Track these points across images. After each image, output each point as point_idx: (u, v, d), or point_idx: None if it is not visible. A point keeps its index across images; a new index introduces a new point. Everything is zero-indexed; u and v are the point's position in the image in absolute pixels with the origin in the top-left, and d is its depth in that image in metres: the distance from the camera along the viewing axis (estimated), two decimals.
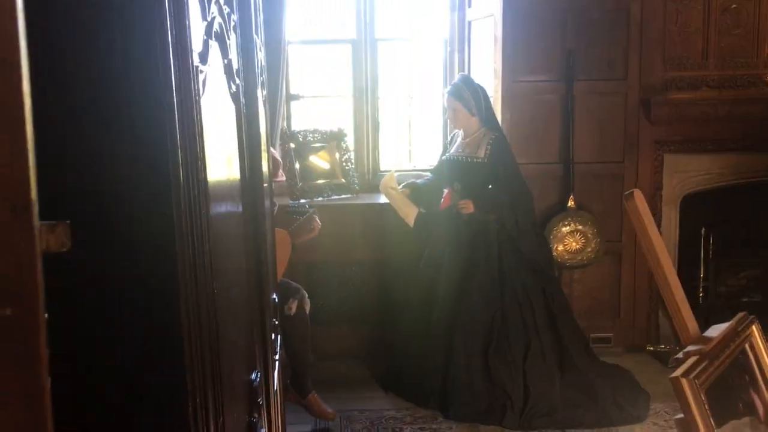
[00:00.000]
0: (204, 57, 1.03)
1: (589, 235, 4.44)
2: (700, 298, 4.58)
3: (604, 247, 4.47)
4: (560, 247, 4.43)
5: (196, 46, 0.98)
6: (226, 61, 1.31)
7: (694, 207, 4.60)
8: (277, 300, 2.98)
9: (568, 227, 4.44)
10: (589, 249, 4.45)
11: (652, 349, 4.48)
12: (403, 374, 3.96)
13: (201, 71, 1.01)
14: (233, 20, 1.46)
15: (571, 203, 4.46)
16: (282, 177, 4.46)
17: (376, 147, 4.93)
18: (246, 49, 1.59)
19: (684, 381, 1.17)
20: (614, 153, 4.52)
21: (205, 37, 1.05)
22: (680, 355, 1.28)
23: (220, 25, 1.19)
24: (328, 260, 4.44)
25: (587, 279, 4.61)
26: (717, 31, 4.49)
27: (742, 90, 4.49)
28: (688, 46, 4.52)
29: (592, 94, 4.47)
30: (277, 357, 2.52)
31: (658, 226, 4.56)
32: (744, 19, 4.49)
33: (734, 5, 4.49)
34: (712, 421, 1.17)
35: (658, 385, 3.93)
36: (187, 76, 0.91)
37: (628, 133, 4.49)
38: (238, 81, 1.46)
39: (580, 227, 4.43)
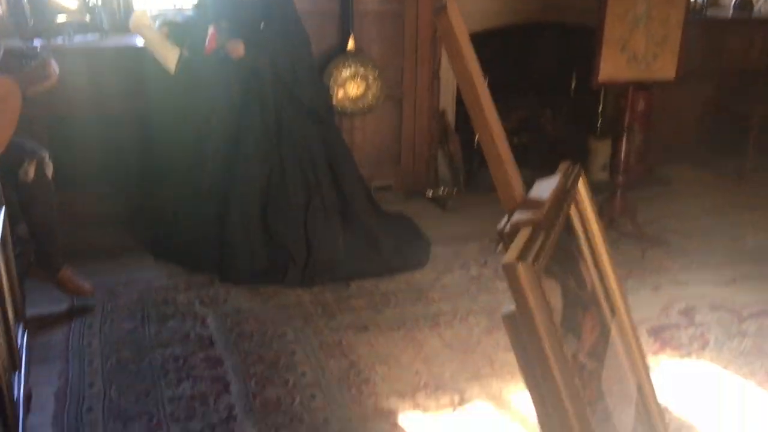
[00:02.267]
0: None
1: (370, 80, 4.21)
2: (474, 142, 4.62)
3: (384, 92, 4.28)
4: (340, 93, 4.16)
5: None
6: None
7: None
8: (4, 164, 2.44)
9: (348, 71, 4.16)
10: (370, 95, 4.24)
11: (431, 194, 4.49)
12: (174, 239, 3.58)
13: None
14: None
15: (350, 45, 4.16)
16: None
17: None
18: None
19: (521, 267, 0.96)
20: None
21: None
22: (506, 226, 1.07)
23: None
24: (75, 114, 3.79)
25: (368, 126, 4.44)
26: None
27: None
28: None
29: None
30: None
31: (438, 69, 4.45)
32: None
33: None
34: (555, 319, 0.98)
35: (437, 230, 3.95)
36: None
37: None
38: None
39: (360, 71, 4.17)
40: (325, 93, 3.84)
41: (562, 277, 1.11)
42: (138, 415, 2.44)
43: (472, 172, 4.67)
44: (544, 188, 1.17)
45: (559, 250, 1.10)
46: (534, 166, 3.48)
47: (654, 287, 3.40)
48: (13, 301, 2.38)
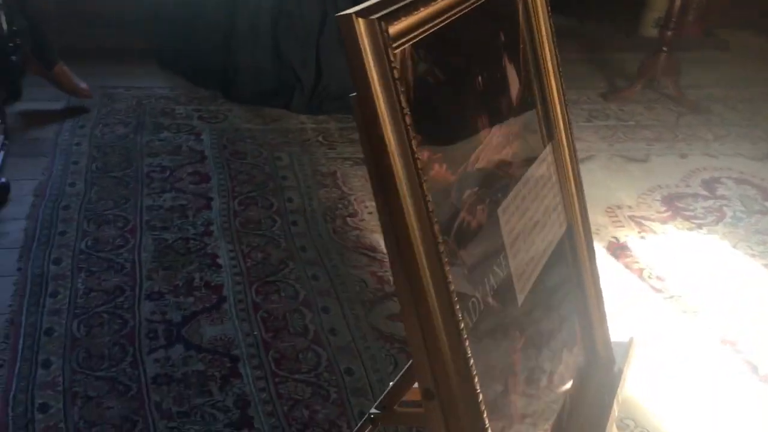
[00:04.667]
0: None
1: None
2: None
3: None
4: None
5: None
6: None
7: None
8: None
9: None
10: None
11: None
12: (182, 48, 3.41)
13: None
14: None
15: None
16: None
17: None
18: None
19: (361, 23, 0.76)
20: None
21: None
22: None
23: None
24: None
25: None
26: None
27: None
28: None
29: None
30: None
31: None
32: None
33: None
34: (410, 134, 0.78)
35: None
36: None
37: None
38: None
39: None
40: None
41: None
42: (113, 219, 2.39)
43: None
44: None
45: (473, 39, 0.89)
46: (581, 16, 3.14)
47: (681, 154, 3.16)
48: None
